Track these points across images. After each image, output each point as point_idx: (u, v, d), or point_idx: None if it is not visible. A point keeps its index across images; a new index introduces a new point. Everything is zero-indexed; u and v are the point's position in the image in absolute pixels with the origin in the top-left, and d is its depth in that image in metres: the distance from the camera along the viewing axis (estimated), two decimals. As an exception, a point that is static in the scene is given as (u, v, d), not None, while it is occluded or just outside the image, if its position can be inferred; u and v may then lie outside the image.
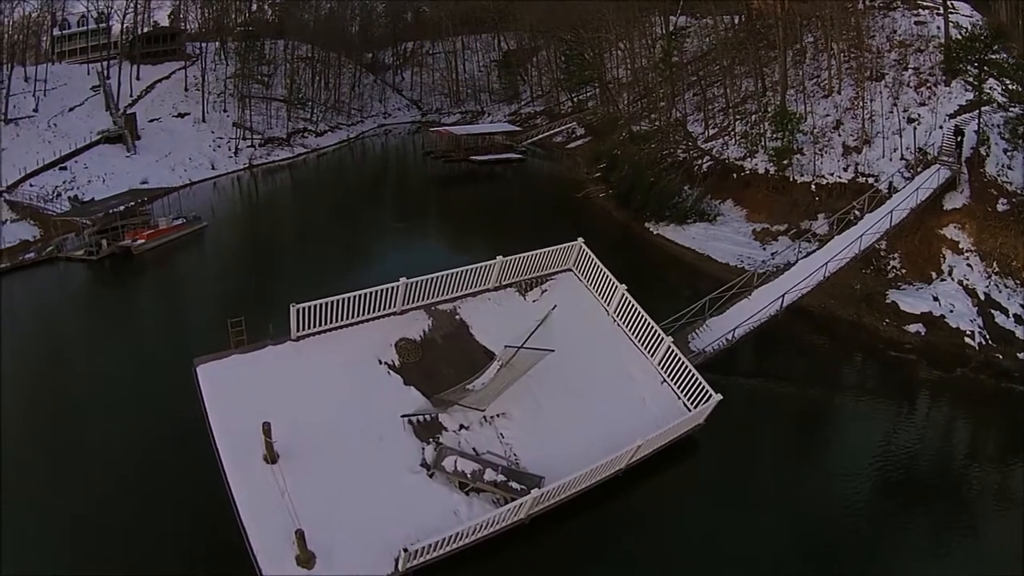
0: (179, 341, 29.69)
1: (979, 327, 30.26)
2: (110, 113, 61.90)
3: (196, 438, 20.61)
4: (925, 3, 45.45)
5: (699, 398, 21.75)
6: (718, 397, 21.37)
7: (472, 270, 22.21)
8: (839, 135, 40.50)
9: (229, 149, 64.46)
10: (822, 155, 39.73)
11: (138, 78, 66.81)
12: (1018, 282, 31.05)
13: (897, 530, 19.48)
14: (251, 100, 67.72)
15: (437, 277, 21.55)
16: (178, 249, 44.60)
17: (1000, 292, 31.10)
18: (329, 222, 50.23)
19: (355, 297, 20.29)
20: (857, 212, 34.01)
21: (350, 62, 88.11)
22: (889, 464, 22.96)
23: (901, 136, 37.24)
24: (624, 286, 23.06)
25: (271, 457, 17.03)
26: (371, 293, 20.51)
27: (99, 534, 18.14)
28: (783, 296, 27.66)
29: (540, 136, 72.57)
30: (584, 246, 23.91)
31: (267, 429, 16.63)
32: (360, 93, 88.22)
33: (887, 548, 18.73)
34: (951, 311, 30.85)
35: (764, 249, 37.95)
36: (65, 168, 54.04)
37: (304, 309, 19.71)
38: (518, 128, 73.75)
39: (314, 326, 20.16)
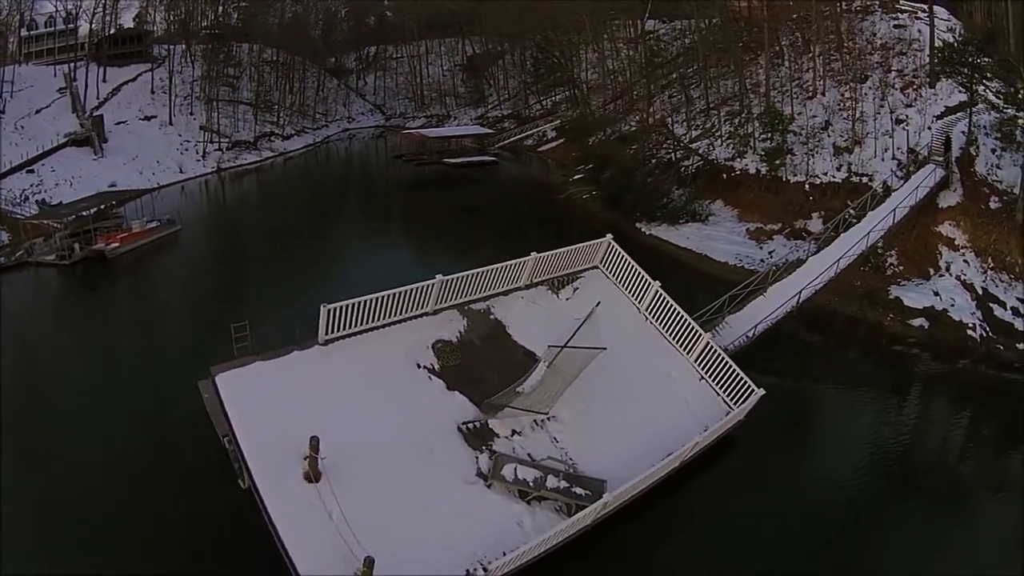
0: (163, 349, 28.25)
1: (979, 320, 30.85)
2: (77, 115, 59.31)
3: (198, 452, 19.80)
4: (903, 7, 46.63)
5: (738, 394, 21.44)
6: (760, 392, 21.10)
7: (504, 268, 21.40)
8: (828, 135, 41.03)
9: (197, 152, 62.12)
10: (813, 155, 40.15)
11: (104, 80, 64.06)
12: (1012, 276, 31.74)
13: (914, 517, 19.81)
14: (218, 103, 65.30)
15: (470, 275, 20.69)
16: (153, 253, 42.72)
17: (997, 286, 31.75)
18: (305, 226, 48.54)
19: (387, 296, 19.14)
20: (852, 211, 34.36)
21: (314, 66, 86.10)
22: (904, 453, 23.36)
23: (893, 136, 37.92)
24: (658, 283, 22.56)
25: (314, 475, 15.56)
26: (404, 292, 19.42)
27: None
28: (799, 292, 27.66)
29: (511, 139, 71.97)
30: (613, 242, 23.34)
31: (315, 444, 15.21)
32: (324, 97, 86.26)
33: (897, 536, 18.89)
34: (952, 305, 31.36)
35: (761, 248, 38.13)
36: (32, 171, 51.47)
37: (335, 310, 18.46)
38: (490, 131, 72.98)
39: (342, 329, 18.91)
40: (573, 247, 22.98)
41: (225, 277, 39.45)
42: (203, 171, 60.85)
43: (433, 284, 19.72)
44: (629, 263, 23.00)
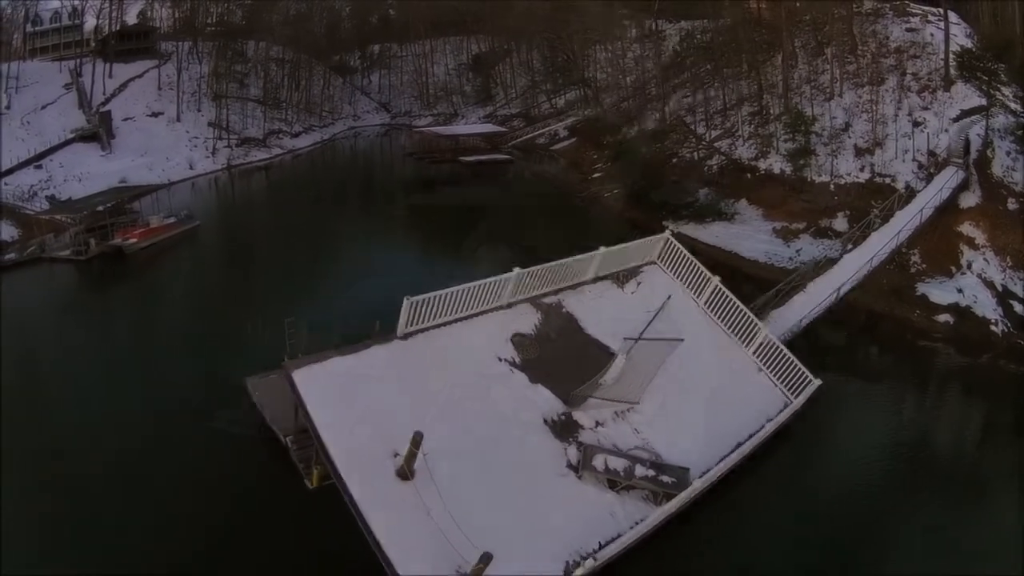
0: (194, 348, 28.07)
1: (1001, 316, 31.97)
2: (84, 111, 58.87)
3: (251, 453, 20.05)
4: (914, 11, 47.79)
5: (796, 384, 22.21)
6: (817, 382, 21.86)
7: (573, 262, 21.93)
8: (849, 137, 42.04)
9: (206, 149, 61.80)
10: (836, 156, 41.13)
11: (111, 76, 63.54)
12: (1030, 274, 32.95)
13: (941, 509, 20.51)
14: (227, 100, 65.05)
15: (541, 269, 21.10)
16: (172, 249, 42.53)
17: (1015, 284, 32.90)
18: (330, 223, 48.68)
19: (465, 290, 19.41)
20: (876, 211, 35.24)
21: (320, 64, 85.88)
22: (933, 445, 24.39)
23: (912, 139, 38.92)
24: (717, 277, 23.21)
25: (409, 472, 15.42)
26: (481, 286, 19.75)
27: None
28: (839, 288, 28.49)
29: (524, 138, 72.12)
30: (672, 238, 23.92)
31: (418, 440, 15.11)
32: (330, 95, 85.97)
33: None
34: (975, 302, 32.51)
35: (788, 246, 38.93)
36: (40, 167, 51.16)
37: (416, 303, 18.65)
38: (504, 129, 73.20)
39: (420, 322, 19.06)
40: (633, 243, 23.56)
41: (249, 274, 39.42)
42: (213, 167, 60.59)
43: (510, 278, 20.10)
44: (688, 258, 23.62)
